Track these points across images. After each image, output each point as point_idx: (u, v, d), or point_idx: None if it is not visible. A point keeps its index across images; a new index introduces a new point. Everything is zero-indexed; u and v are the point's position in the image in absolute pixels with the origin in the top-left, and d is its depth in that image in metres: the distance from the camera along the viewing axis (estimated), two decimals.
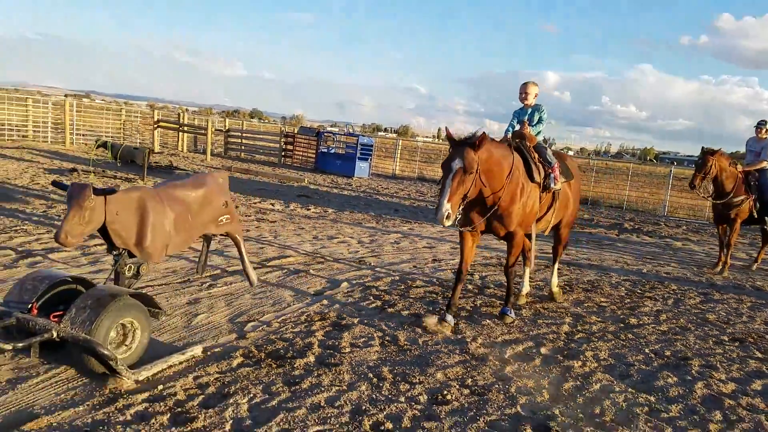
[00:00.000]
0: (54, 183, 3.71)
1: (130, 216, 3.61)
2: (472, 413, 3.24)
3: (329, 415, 3.07)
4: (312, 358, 3.82)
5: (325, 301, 5.10)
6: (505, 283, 5.14)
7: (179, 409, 3.02)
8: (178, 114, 27.16)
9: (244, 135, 25.32)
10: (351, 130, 32.57)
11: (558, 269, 5.96)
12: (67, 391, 3.13)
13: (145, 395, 3.14)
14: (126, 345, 3.42)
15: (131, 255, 3.73)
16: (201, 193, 4.14)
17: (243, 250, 4.64)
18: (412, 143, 35.83)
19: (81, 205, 3.31)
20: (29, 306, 3.32)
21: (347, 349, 4.01)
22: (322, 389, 3.37)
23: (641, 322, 5.36)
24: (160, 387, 3.25)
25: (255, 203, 11.01)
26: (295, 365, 3.68)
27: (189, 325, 4.25)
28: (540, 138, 5.28)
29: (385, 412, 3.15)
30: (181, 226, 3.94)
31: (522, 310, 5.36)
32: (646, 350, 4.60)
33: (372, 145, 21.49)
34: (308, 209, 10.90)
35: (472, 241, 4.82)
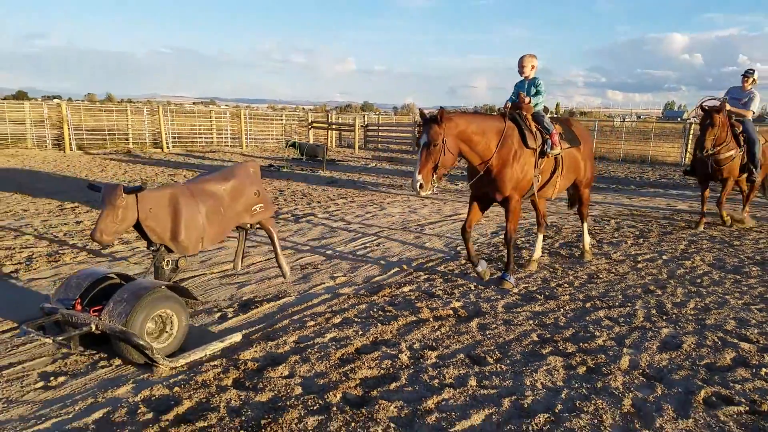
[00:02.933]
0: (89, 186, 3.90)
1: (163, 212, 3.77)
2: (617, 284, 5.56)
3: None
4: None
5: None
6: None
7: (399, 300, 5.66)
8: (327, 114, 31.09)
9: (380, 128, 28.50)
10: None
11: (588, 231, 6.54)
12: None
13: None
14: (165, 334, 3.59)
15: (169, 250, 3.90)
16: (231, 185, 4.26)
17: (276, 240, 4.75)
18: None
19: (114, 204, 3.50)
20: (73, 302, 3.53)
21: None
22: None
23: (742, 244, 7.22)
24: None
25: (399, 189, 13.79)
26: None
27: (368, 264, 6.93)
28: (540, 108, 5.50)
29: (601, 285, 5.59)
30: (214, 219, 4.06)
31: (650, 232, 7.46)
32: (742, 256, 6.56)
33: None
34: (457, 185, 13.46)
35: (477, 206, 5.37)
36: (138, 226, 3.70)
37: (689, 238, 7.65)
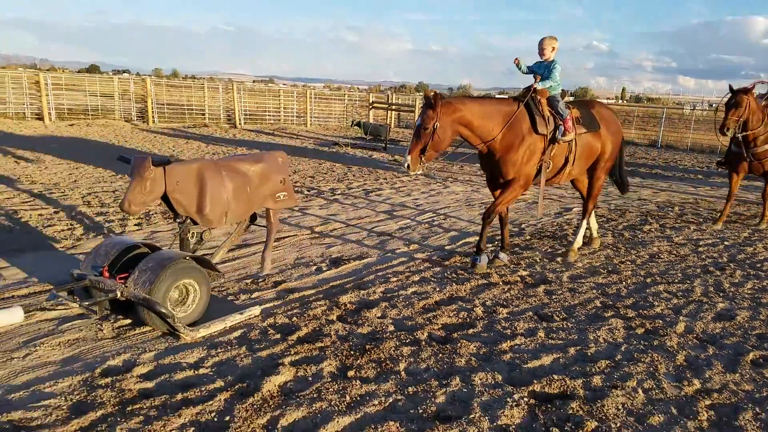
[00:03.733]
0: (119, 158, 4.02)
1: (189, 185, 3.83)
2: (677, 264, 5.87)
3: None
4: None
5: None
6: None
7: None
8: (387, 95, 31.60)
9: None
10: None
11: (587, 227, 6.17)
12: None
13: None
14: (187, 303, 3.69)
15: (194, 222, 3.98)
16: (260, 168, 4.34)
17: (272, 234, 4.66)
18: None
19: (142, 176, 3.57)
20: (101, 269, 3.64)
21: None
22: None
23: None
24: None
25: (469, 167, 14.15)
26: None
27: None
28: (558, 90, 5.33)
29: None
30: (240, 196, 4.14)
31: (714, 220, 7.64)
32: None
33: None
34: None
35: (498, 190, 5.34)
36: (165, 198, 3.79)
37: (753, 227, 7.75)
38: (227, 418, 2.73)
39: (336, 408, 2.86)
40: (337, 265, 5.26)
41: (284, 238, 6.13)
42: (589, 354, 3.61)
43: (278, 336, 3.67)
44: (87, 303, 3.49)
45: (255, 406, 2.84)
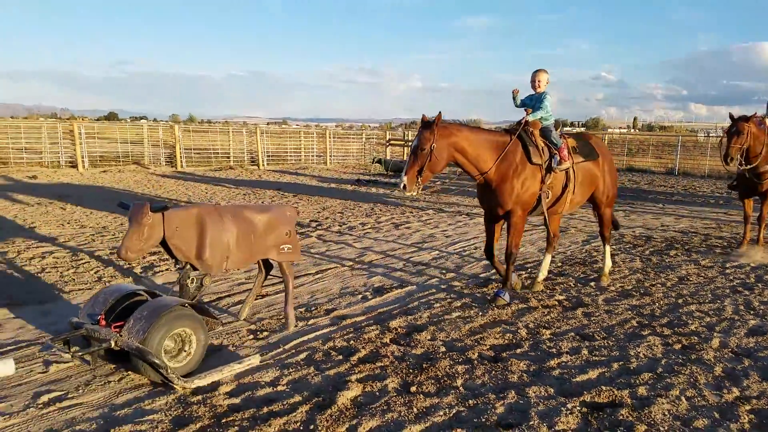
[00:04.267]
0: (119, 204, 3.94)
1: (189, 231, 3.82)
2: (706, 285, 6.10)
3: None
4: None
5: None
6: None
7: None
8: (402, 132, 32.40)
9: None
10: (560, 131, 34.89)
11: (610, 252, 6.29)
12: None
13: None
14: (183, 353, 3.63)
15: (194, 268, 3.94)
16: (266, 218, 4.33)
17: (290, 287, 4.60)
18: (619, 136, 36.72)
19: (140, 223, 3.56)
20: (97, 318, 3.58)
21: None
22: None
23: None
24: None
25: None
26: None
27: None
28: (550, 121, 5.42)
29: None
30: (243, 243, 4.13)
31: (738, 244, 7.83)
32: None
33: None
34: None
35: (493, 226, 5.55)
36: (164, 244, 3.77)
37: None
38: (311, 427, 3.05)
39: (406, 418, 3.16)
40: (380, 294, 5.59)
41: (327, 269, 6.49)
42: (632, 368, 3.87)
43: (340, 357, 3.99)
44: (80, 353, 3.48)
45: (334, 417, 3.15)
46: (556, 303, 5.36)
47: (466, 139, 5.00)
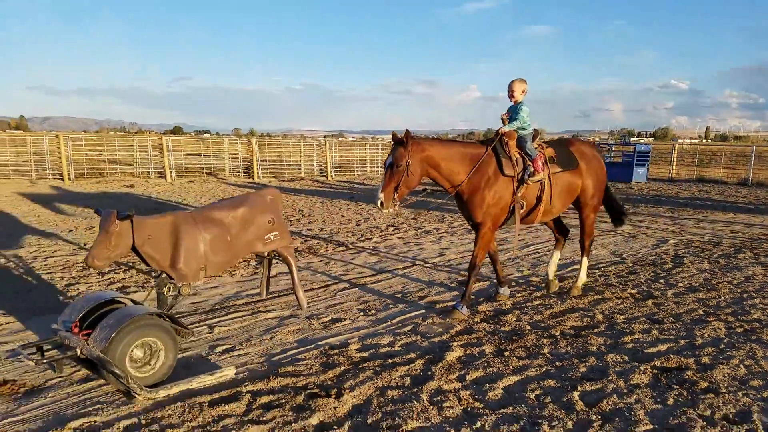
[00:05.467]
0: (95, 211, 3.84)
1: (162, 239, 3.76)
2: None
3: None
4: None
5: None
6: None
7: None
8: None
9: None
10: (626, 140, 34.55)
11: (588, 264, 6.10)
12: None
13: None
14: (152, 363, 3.58)
15: (171, 277, 3.89)
16: (240, 213, 4.20)
17: (294, 270, 4.57)
18: (690, 146, 35.86)
19: (107, 230, 3.51)
20: (70, 325, 3.56)
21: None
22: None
23: None
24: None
25: None
26: None
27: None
28: (528, 131, 5.32)
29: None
30: (219, 248, 4.02)
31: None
32: None
33: (649, 152, 23.70)
34: None
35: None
36: (139, 252, 3.74)
37: None
38: (429, 373, 3.86)
39: (504, 372, 3.91)
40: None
41: (413, 266, 7.31)
42: (697, 344, 4.46)
43: (440, 330, 4.80)
44: (45, 360, 3.53)
45: (445, 368, 3.95)
46: (629, 295, 5.94)
47: (438, 153, 5.04)
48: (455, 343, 4.46)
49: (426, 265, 7.44)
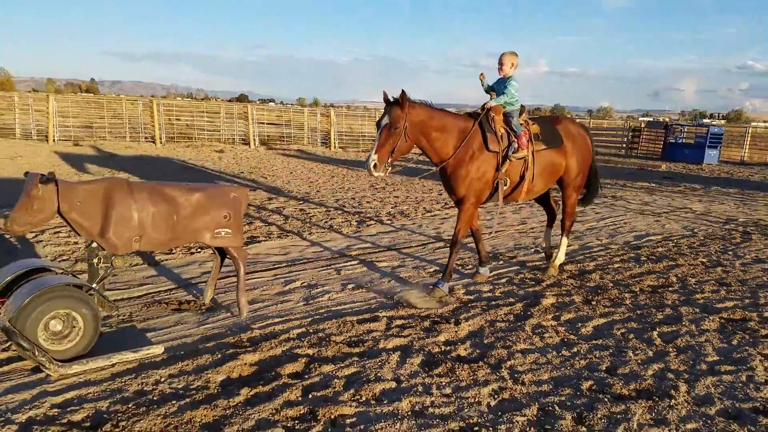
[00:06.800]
0: (25, 173, 3.62)
1: (93, 207, 3.59)
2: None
3: None
4: None
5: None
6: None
7: None
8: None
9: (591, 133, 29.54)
10: (699, 122, 33.48)
11: (567, 245, 6.16)
12: None
13: None
14: (71, 336, 3.42)
15: (101, 247, 3.71)
16: (197, 198, 4.06)
17: (241, 274, 4.39)
18: (764, 130, 34.25)
19: (29, 194, 3.36)
20: None
21: None
22: None
23: None
24: None
25: (631, 184, 15.18)
26: None
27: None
28: (515, 107, 5.25)
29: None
30: (161, 224, 3.87)
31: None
32: None
33: (722, 134, 23.16)
34: (678, 186, 14.55)
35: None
36: (67, 219, 3.60)
37: None
38: (528, 312, 4.77)
39: (592, 315, 4.76)
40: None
41: (498, 231, 8.15)
42: (760, 303, 5.14)
43: (533, 282, 5.68)
44: None
45: (542, 310, 4.84)
46: (700, 263, 6.59)
47: (433, 121, 4.88)
48: (548, 293, 5.32)
49: (509, 231, 8.25)
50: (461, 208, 5.17)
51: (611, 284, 5.67)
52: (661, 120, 36.55)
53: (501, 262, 6.44)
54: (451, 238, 5.41)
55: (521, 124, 5.26)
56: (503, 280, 5.74)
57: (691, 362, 3.89)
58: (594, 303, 5.07)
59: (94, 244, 3.76)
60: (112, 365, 3.49)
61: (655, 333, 4.40)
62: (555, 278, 5.82)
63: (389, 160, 4.70)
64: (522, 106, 5.40)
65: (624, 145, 26.10)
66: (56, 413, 2.95)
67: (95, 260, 3.78)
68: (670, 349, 4.10)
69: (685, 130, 25.24)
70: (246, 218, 8.31)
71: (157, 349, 3.64)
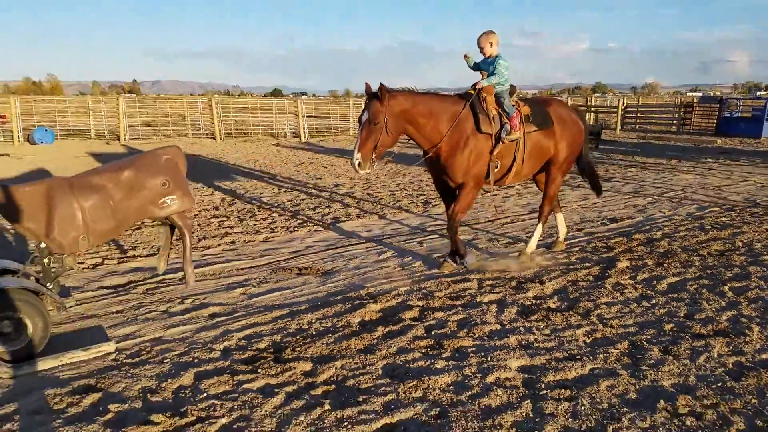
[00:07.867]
0: None
1: (34, 208, 3.56)
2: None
3: None
4: None
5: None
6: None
7: None
8: (586, 98, 32.83)
9: (639, 110, 29.12)
10: (755, 94, 32.41)
11: (541, 234, 5.94)
12: None
13: None
14: (21, 336, 3.41)
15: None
16: (125, 177, 3.86)
17: (187, 242, 4.23)
18: None
19: None
20: None
21: None
22: None
23: None
24: None
25: (687, 159, 15.18)
26: None
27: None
28: (505, 87, 5.14)
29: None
30: (101, 215, 3.76)
31: None
32: None
33: None
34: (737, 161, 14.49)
35: (445, 192, 5.43)
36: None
37: None
38: (606, 274, 5.26)
39: (666, 275, 5.22)
40: (615, 221, 7.57)
41: (565, 207, 8.59)
42: None
43: (605, 249, 6.14)
44: None
45: (618, 271, 5.32)
46: (765, 230, 6.89)
47: (417, 108, 4.79)
48: (622, 258, 5.78)
49: (572, 206, 8.68)
50: (462, 191, 5.12)
51: (680, 250, 6.07)
52: (712, 94, 35.51)
53: (570, 234, 6.91)
54: (449, 216, 5.30)
55: (512, 105, 5.19)
56: (576, 248, 6.23)
57: (762, 310, 4.33)
58: (666, 265, 5.51)
59: (42, 245, 3.73)
60: (61, 363, 3.48)
61: (726, 287, 4.84)
62: (627, 246, 6.26)
63: (373, 156, 4.67)
64: (512, 86, 5.32)
65: (675, 122, 25.70)
66: (245, 344, 3.73)
67: (45, 260, 3.78)
68: (742, 300, 4.54)
69: (741, 103, 24.63)
70: (325, 202, 9.04)
71: (109, 347, 3.62)
